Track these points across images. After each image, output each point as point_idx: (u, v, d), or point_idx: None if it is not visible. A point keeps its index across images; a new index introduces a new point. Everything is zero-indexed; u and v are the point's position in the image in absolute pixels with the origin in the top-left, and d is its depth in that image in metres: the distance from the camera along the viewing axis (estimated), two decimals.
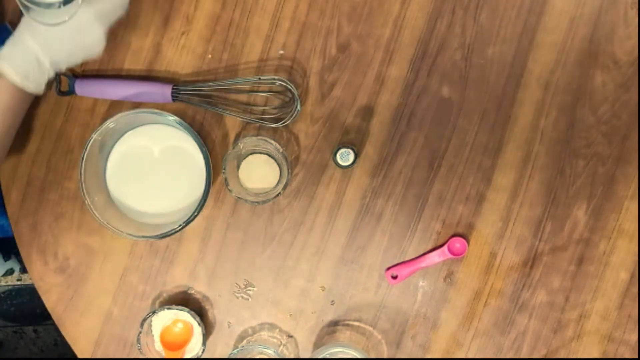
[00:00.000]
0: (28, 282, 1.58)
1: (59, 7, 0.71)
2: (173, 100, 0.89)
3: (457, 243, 0.89)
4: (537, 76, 0.90)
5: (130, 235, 0.85)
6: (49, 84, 0.80)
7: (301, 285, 0.91)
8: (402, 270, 0.90)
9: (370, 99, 0.90)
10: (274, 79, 0.89)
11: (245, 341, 0.92)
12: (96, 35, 0.77)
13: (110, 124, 0.82)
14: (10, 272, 1.48)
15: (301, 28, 0.91)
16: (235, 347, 0.92)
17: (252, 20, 0.91)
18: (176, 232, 0.84)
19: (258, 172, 0.90)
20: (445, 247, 0.89)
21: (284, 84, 0.89)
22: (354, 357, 0.85)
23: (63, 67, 0.79)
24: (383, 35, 0.90)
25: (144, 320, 0.87)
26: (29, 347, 1.61)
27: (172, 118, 0.85)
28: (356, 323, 0.91)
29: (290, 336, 0.92)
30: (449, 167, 0.90)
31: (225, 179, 0.83)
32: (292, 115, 0.89)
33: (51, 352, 1.61)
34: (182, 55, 0.92)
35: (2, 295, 1.28)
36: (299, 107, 0.89)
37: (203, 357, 0.89)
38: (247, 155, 0.90)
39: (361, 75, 0.91)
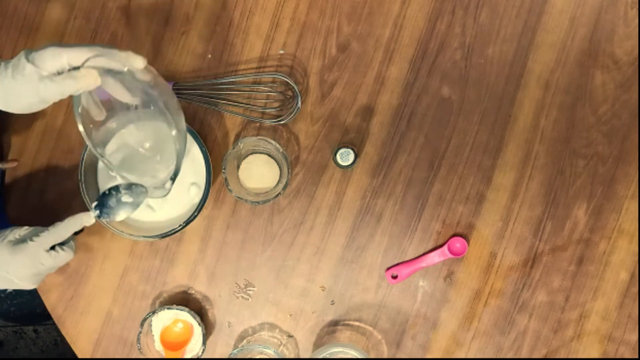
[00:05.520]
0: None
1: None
2: None
3: (457, 243, 0.89)
4: (537, 76, 0.90)
5: (131, 235, 0.85)
6: None
7: (301, 285, 0.91)
8: (402, 270, 0.90)
9: (370, 99, 0.90)
10: (275, 75, 0.90)
11: (245, 341, 0.92)
12: (23, 274, 0.75)
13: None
14: None
15: (301, 28, 0.91)
16: (236, 347, 0.92)
17: (252, 20, 0.91)
18: (176, 232, 0.84)
19: (258, 172, 0.90)
20: (445, 247, 0.89)
21: (285, 79, 0.89)
22: (354, 357, 0.85)
23: None
24: (383, 35, 0.90)
25: (144, 320, 0.87)
26: (29, 347, 1.61)
27: None
28: (356, 323, 0.91)
29: (290, 336, 0.92)
30: (449, 167, 0.90)
31: (225, 179, 0.83)
32: (293, 112, 0.89)
33: (51, 352, 1.60)
34: (182, 55, 0.92)
35: (2, 295, 1.28)
36: (299, 104, 0.89)
37: (203, 357, 0.89)
38: (247, 155, 0.90)
39: (361, 75, 0.91)
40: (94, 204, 0.80)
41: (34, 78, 0.65)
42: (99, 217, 0.80)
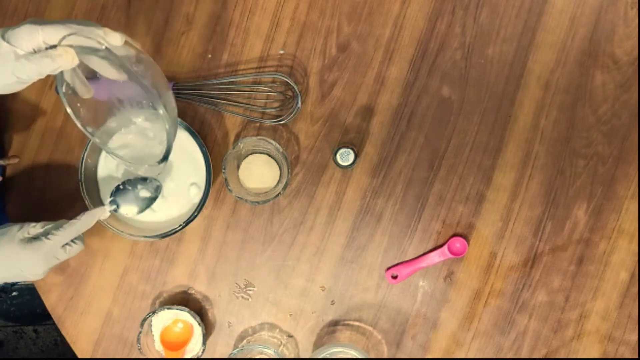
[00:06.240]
0: (28, 282, 1.58)
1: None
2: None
3: (457, 243, 0.89)
4: (537, 76, 0.90)
5: (131, 235, 0.85)
6: (49, 84, 0.80)
7: (301, 285, 0.91)
8: (402, 270, 0.90)
9: (370, 99, 0.90)
10: (275, 75, 0.90)
11: (245, 341, 0.92)
12: (38, 270, 0.75)
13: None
14: None
15: (301, 28, 0.91)
16: (235, 347, 0.92)
17: (252, 20, 0.91)
18: (176, 232, 0.84)
19: (258, 172, 0.90)
20: (445, 247, 0.89)
21: (285, 79, 0.89)
22: (354, 357, 0.85)
23: None
24: (383, 35, 0.90)
25: (144, 320, 0.87)
26: (29, 347, 1.61)
27: None
28: (356, 323, 0.91)
29: (290, 336, 0.92)
30: (449, 167, 0.90)
31: (225, 179, 0.83)
32: (294, 112, 0.89)
33: (51, 352, 1.60)
34: (182, 55, 0.92)
35: (2, 295, 1.28)
36: (299, 104, 0.89)
37: (203, 357, 0.89)
38: (247, 155, 0.90)
39: (361, 75, 0.91)
40: (110, 199, 0.81)
41: (10, 57, 0.63)
42: (115, 211, 0.81)
